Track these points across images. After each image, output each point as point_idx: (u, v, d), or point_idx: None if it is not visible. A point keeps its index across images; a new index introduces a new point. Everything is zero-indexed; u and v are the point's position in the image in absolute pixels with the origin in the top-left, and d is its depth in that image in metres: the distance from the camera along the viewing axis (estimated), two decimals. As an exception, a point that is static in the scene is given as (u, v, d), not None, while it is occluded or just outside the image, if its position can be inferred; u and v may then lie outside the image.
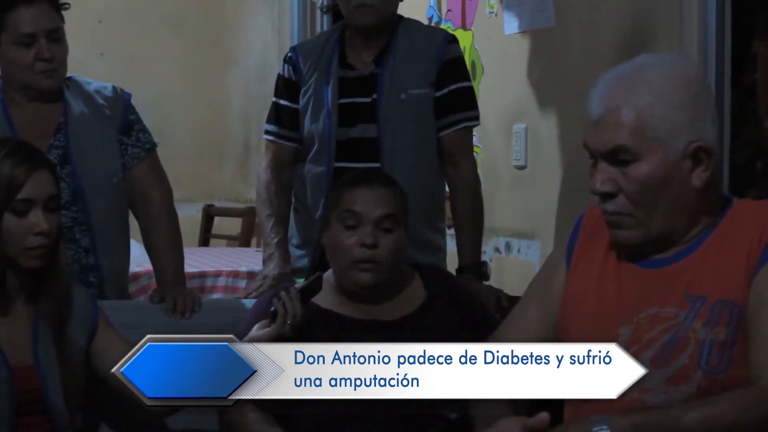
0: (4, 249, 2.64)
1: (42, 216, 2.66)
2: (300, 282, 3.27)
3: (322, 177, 3.55)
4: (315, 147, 3.58)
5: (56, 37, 3.31)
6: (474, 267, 3.57)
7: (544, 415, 2.16)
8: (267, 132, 3.71)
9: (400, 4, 3.62)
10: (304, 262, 3.63)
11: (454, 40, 3.65)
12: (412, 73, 3.56)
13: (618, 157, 2.28)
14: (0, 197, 2.63)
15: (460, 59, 3.65)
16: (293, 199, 3.70)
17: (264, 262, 3.58)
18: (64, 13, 3.37)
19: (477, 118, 3.65)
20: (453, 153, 3.60)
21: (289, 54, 3.72)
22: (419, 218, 3.46)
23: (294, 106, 3.64)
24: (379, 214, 2.90)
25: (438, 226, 3.65)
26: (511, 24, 4.47)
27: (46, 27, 3.28)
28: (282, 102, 3.68)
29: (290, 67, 3.66)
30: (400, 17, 3.65)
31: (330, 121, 3.54)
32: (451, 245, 3.70)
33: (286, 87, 3.67)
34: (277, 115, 3.69)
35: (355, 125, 3.56)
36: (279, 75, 3.71)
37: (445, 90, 3.58)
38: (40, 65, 3.28)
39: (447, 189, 3.70)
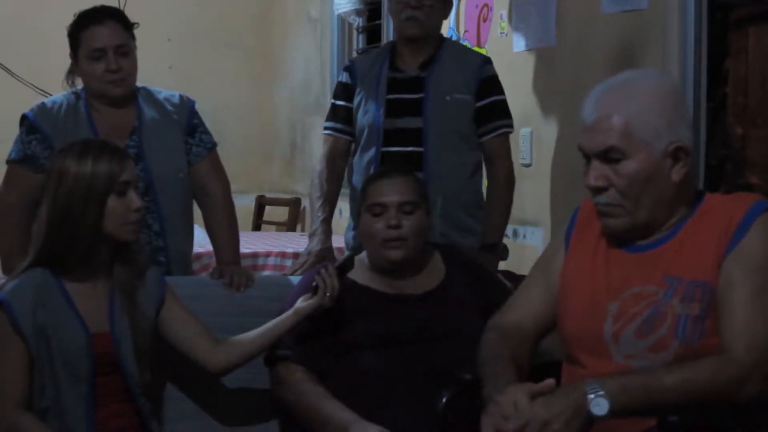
0: (105, 226, 2.64)
1: (135, 195, 2.68)
2: None
3: (372, 160, 3.58)
4: (365, 135, 3.62)
5: (124, 51, 3.28)
6: (492, 246, 3.57)
7: (550, 381, 2.16)
8: (325, 128, 3.76)
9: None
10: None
11: (489, 61, 3.70)
12: (455, 81, 3.60)
13: (609, 156, 2.28)
14: (105, 182, 2.63)
15: (496, 77, 3.68)
16: (350, 190, 3.73)
17: (309, 237, 3.62)
18: (138, 33, 3.35)
19: (512, 126, 3.68)
20: (492, 155, 3.63)
21: (347, 63, 3.82)
22: (458, 204, 3.51)
23: (349, 105, 3.70)
24: (400, 200, 2.91)
25: (474, 212, 3.65)
26: (519, 42, 4.46)
27: (114, 43, 3.25)
28: (339, 102, 3.73)
29: (348, 74, 3.74)
30: (443, 37, 3.71)
31: (379, 113, 3.58)
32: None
33: (344, 90, 3.73)
34: (334, 113, 3.74)
35: (401, 117, 3.58)
36: (338, 81, 3.79)
37: (486, 101, 3.61)
38: (109, 76, 3.27)
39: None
